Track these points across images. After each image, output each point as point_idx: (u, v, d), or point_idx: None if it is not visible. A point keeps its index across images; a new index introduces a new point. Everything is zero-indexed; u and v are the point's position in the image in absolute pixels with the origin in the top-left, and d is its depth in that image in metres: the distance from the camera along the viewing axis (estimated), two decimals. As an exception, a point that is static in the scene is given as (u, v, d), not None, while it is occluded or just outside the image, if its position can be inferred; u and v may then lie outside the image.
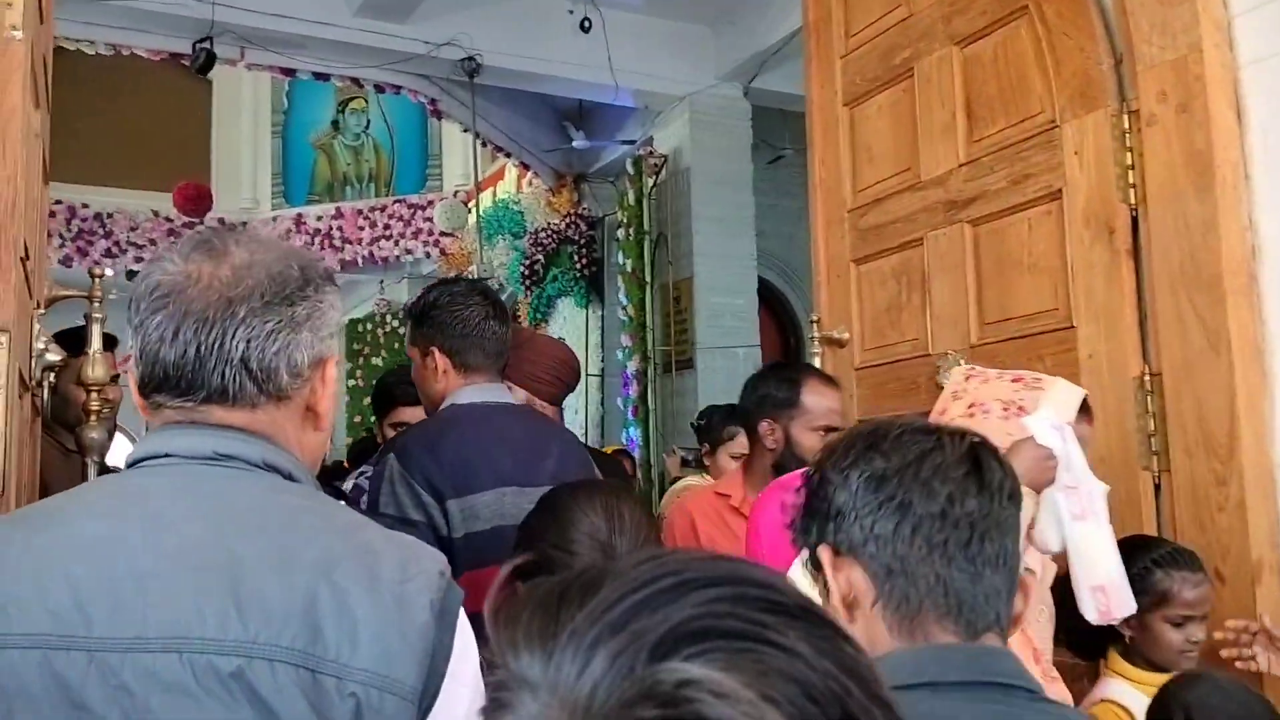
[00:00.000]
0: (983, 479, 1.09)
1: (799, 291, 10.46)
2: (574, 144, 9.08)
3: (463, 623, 1.08)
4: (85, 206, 11.80)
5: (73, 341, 2.59)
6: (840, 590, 1.09)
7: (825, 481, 1.14)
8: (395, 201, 12.04)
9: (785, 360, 10.24)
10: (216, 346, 1.10)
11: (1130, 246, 2.35)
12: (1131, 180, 2.35)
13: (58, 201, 11.64)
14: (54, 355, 1.95)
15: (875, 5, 2.99)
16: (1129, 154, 2.35)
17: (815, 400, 2.43)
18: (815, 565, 1.13)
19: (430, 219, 11.79)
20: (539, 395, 2.68)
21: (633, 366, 8.27)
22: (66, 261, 11.66)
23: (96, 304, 2.39)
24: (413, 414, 2.82)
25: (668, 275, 8.23)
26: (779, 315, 10.07)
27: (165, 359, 1.11)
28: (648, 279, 8.25)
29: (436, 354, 2.28)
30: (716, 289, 8.13)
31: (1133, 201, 2.35)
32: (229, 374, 1.11)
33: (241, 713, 0.96)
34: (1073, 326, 2.44)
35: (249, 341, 1.12)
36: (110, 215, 11.89)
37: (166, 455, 1.12)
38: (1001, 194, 2.63)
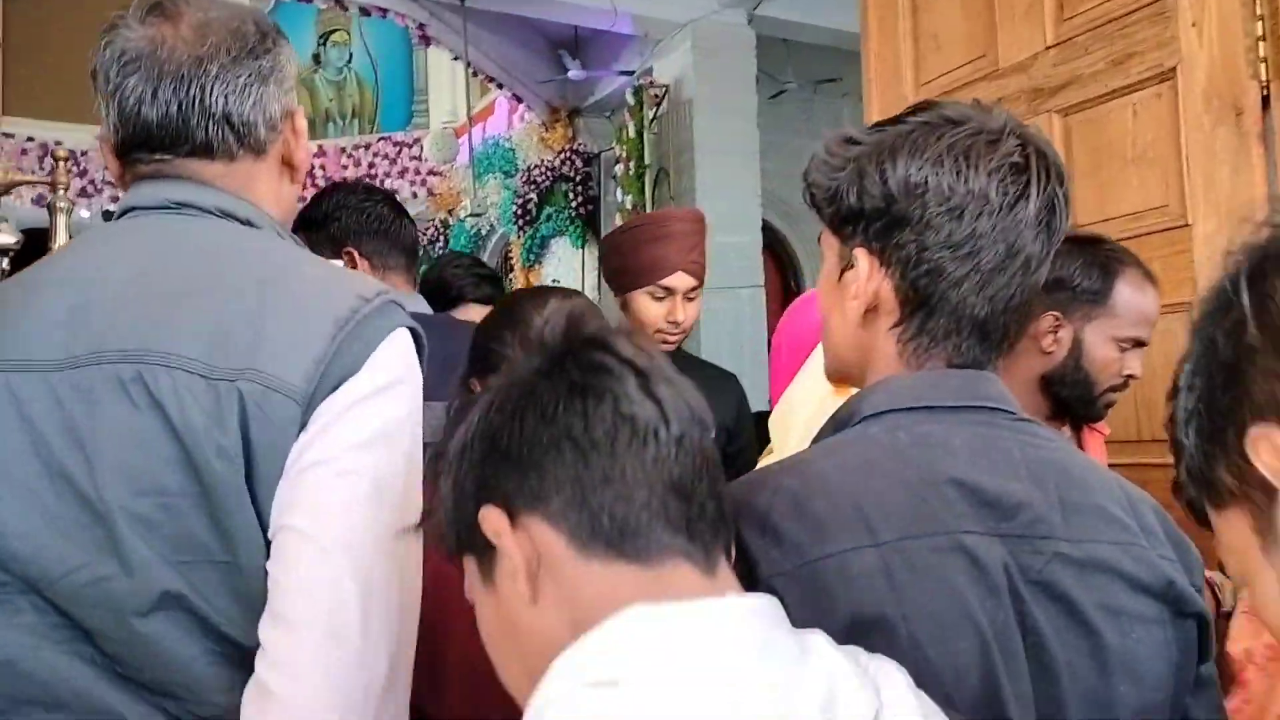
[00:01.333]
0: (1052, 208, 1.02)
1: (800, 232, 10.11)
2: (569, 74, 8.65)
3: (388, 351, 1.11)
4: (59, 144, 11.23)
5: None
6: (865, 297, 1.04)
7: (886, 165, 1.02)
8: (380, 139, 11.55)
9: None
10: (197, 102, 1.17)
11: (1261, 129, 2.01)
12: (1263, 53, 2.01)
13: (29, 139, 11.12)
14: (7, 237, 1.79)
15: None
16: (1259, 23, 2.02)
17: (1132, 300, 1.76)
18: (842, 264, 1.07)
19: (417, 157, 11.33)
20: None
21: (632, 306, 7.92)
22: (40, 200, 11.16)
23: (61, 191, 2.06)
24: (480, 314, 2.53)
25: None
26: (779, 257, 9.74)
27: (148, 119, 1.18)
28: (649, 215, 7.87)
29: (355, 257, 2.12)
30: (720, 226, 7.68)
31: (1264, 77, 2.01)
32: (212, 128, 1.18)
33: (142, 417, 1.04)
34: (1188, 224, 2.11)
35: (227, 97, 1.18)
36: (84, 153, 11.35)
37: (131, 209, 1.21)
38: (1099, 77, 2.28)
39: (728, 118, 7.85)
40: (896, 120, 1.04)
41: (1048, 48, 2.40)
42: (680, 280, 2.50)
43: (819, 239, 1.14)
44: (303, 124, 1.28)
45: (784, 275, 9.79)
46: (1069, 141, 2.35)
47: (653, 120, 7.93)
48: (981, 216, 0.98)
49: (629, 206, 7.97)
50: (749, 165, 7.91)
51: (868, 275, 1.03)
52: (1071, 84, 2.34)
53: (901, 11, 2.71)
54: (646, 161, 7.85)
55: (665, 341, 2.52)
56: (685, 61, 7.89)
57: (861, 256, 1.04)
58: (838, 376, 1.15)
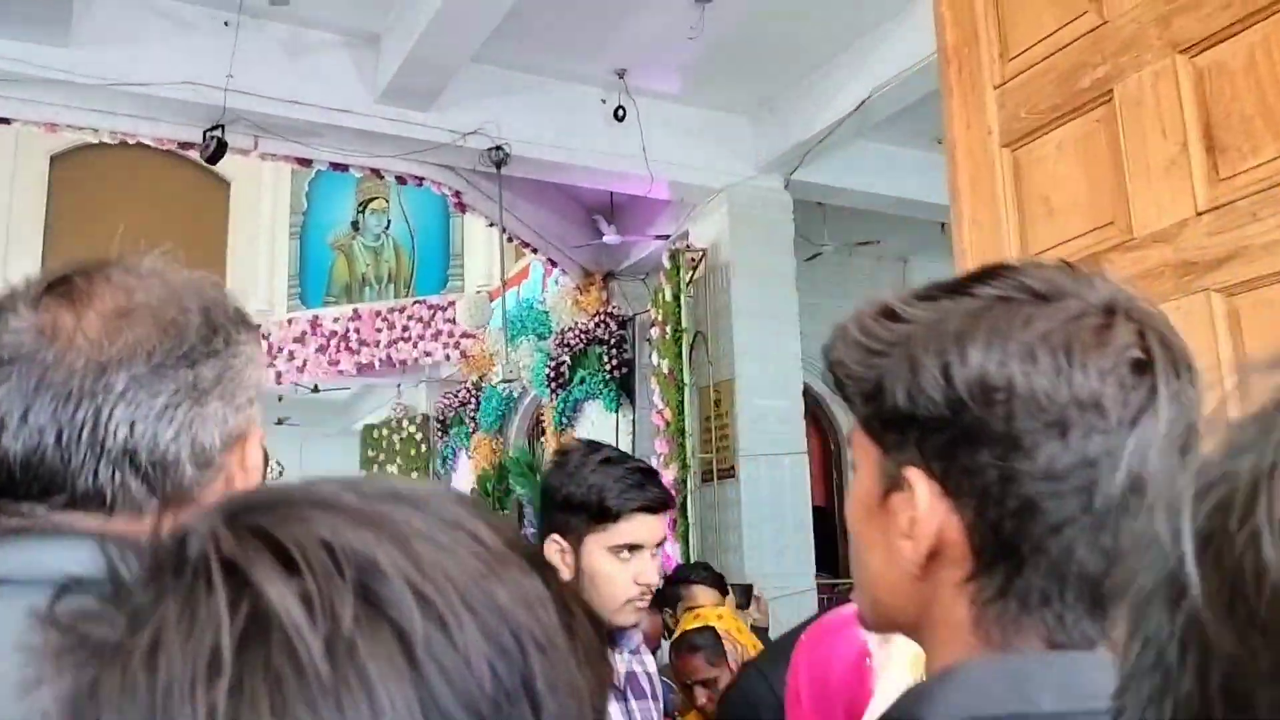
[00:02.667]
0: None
1: (839, 395, 9.62)
2: (604, 239, 8.37)
3: None
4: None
5: None
6: (925, 538, 0.72)
7: (951, 356, 0.72)
8: (415, 302, 11.33)
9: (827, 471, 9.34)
10: (86, 431, 0.80)
11: None
12: None
13: (67, 304, 10.98)
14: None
15: (1045, 16, 2.23)
16: None
17: None
18: (887, 482, 0.76)
19: (451, 320, 11.06)
20: None
21: (669, 475, 7.38)
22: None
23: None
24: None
25: (707, 376, 7.41)
26: (819, 421, 9.22)
27: (10, 451, 0.80)
28: (685, 380, 7.42)
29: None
30: (759, 391, 7.30)
31: None
32: (105, 471, 0.81)
33: None
34: None
35: (134, 424, 0.81)
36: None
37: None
38: (1273, 249, 1.81)
39: (765, 281, 7.50)
40: (957, 289, 0.75)
41: (1199, 214, 1.93)
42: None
43: (848, 436, 0.85)
44: (257, 456, 0.90)
45: (825, 441, 9.25)
46: (1236, 325, 1.86)
47: (689, 283, 7.59)
48: (1094, 434, 0.69)
49: (665, 370, 7.55)
50: (788, 329, 7.51)
51: (928, 507, 0.73)
52: (1236, 257, 1.86)
53: (1001, 171, 2.28)
54: (683, 325, 7.46)
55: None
56: (722, 225, 7.60)
57: (917, 479, 0.74)
58: (881, 628, 0.86)
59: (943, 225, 9.50)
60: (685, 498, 7.27)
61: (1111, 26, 2.12)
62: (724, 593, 4.39)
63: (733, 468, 7.16)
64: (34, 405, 0.80)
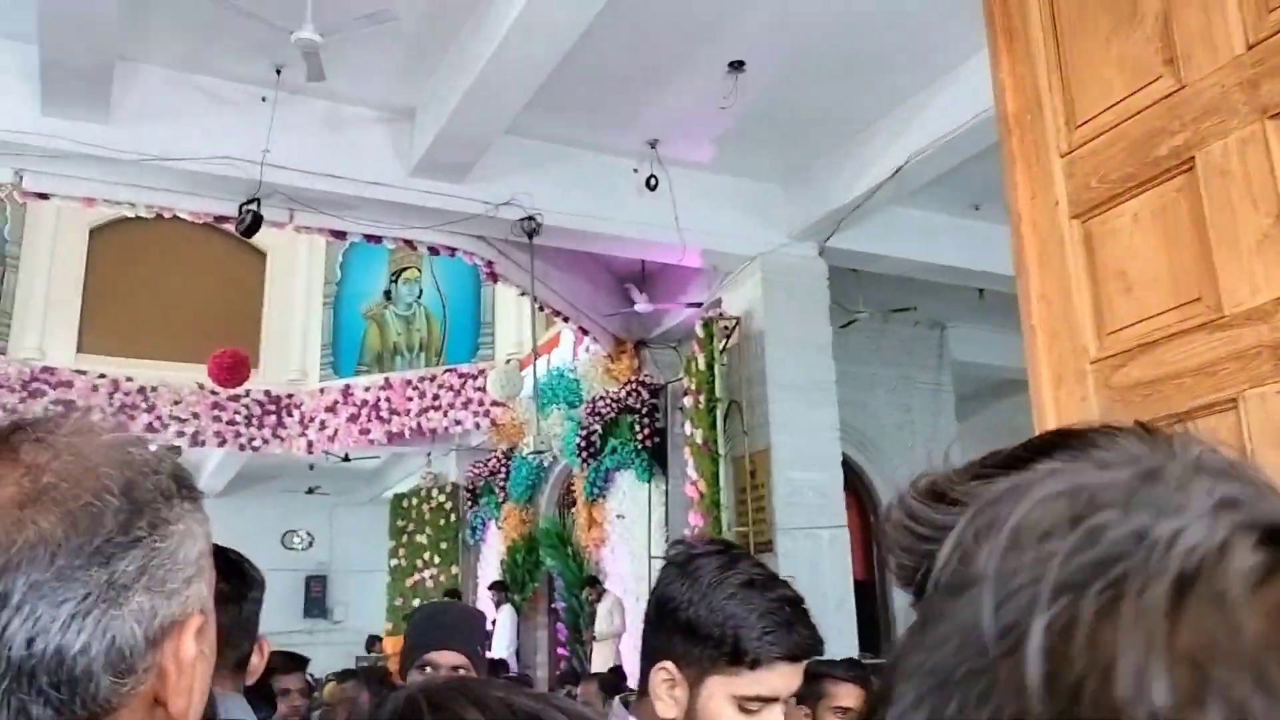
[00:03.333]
0: None
1: (877, 465, 9.40)
2: (636, 307, 8.27)
3: None
4: (129, 380, 11.11)
5: None
6: None
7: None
8: (445, 370, 11.26)
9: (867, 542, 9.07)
10: None
11: None
12: None
13: (101, 375, 11.00)
14: None
15: (1115, 82, 2.10)
16: None
17: None
18: None
19: (481, 388, 10.97)
20: None
21: (705, 549, 7.16)
22: (107, 435, 10.90)
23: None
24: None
25: (742, 447, 7.23)
26: (856, 491, 8.98)
27: None
28: (720, 451, 7.24)
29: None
30: (796, 462, 7.10)
31: None
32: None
33: None
34: None
35: (32, 639, 0.64)
36: (154, 389, 11.18)
37: None
38: (1387, 328, 1.64)
39: (800, 349, 7.35)
40: (1015, 462, 0.58)
41: (1299, 290, 1.77)
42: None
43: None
44: (189, 651, 0.72)
45: (863, 513, 8.99)
46: (1347, 412, 1.68)
47: (722, 352, 7.45)
48: None
49: (699, 441, 7.37)
50: (825, 398, 7.33)
51: None
52: (1344, 338, 1.69)
53: (1071, 244, 2.13)
54: (717, 395, 7.30)
55: None
56: (755, 293, 7.47)
57: None
58: None
59: (980, 292, 9.34)
60: (721, 572, 7.04)
61: (1190, 91, 1.98)
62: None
63: (769, 542, 6.94)
64: None
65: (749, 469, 7.11)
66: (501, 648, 9.24)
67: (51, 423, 0.71)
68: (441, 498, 12.18)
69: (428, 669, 2.22)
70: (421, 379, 11.30)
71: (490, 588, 10.16)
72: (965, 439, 10.48)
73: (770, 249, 7.40)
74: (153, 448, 0.73)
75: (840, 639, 7.00)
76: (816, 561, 6.99)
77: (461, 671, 2.16)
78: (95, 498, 0.68)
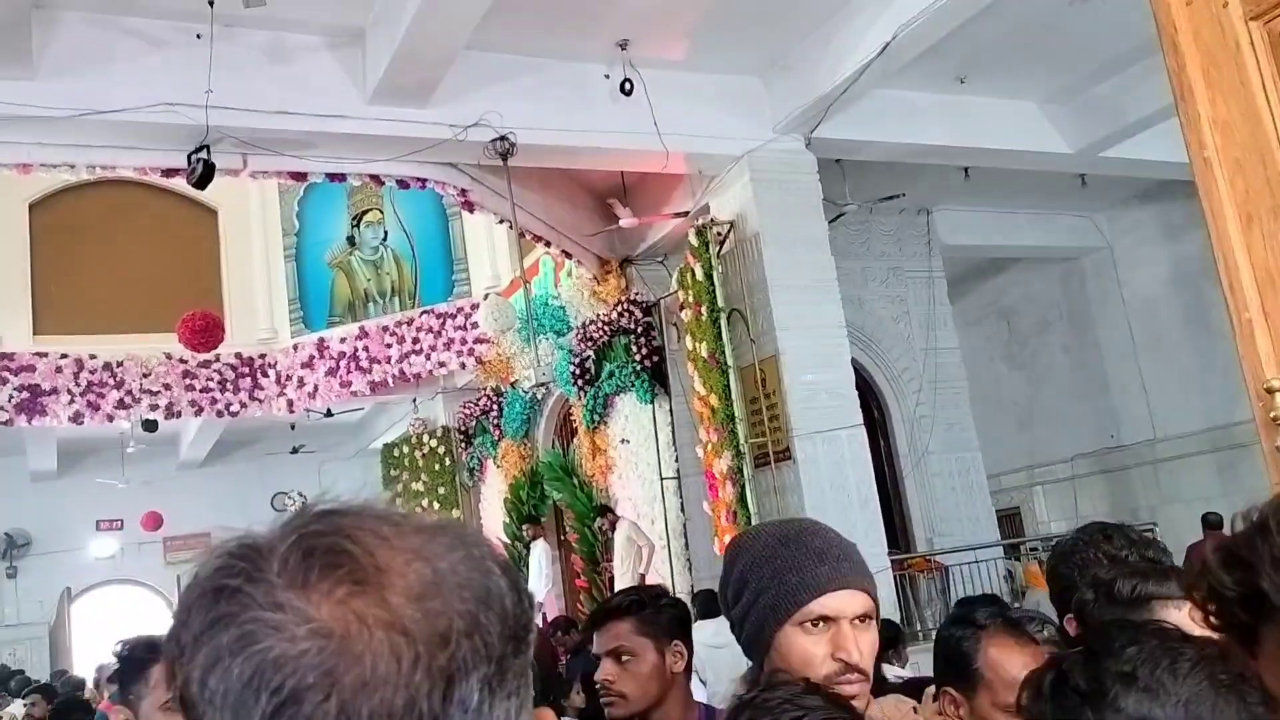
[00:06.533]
0: None
1: (877, 358, 9.14)
2: (620, 223, 7.84)
3: None
4: (93, 357, 10.55)
5: None
6: None
7: None
8: (422, 313, 10.79)
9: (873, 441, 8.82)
10: None
11: None
12: None
13: (63, 356, 10.43)
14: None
15: None
16: None
17: None
18: None
19: (462, 327, 10.53)
20: None
21: (722, 464, 6.87)
22: (77, 418, 10.37)
23: None
24: None
25: (748, 356, 6.90)
26: (858, 388, 8.71)
27: None
28: (728, 363, 6.91)
29: None
30: (806, 365, 6.79)
31: None
32: None
33: None
34: None
35: None
36: (120, 364, 10.63)
37: None
38: None
39: (798, 248, 6.98)
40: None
41: None
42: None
43: None
44: None
45: (868, 410, 8.73)
46: None
47: (718, 259, 7.07)
48: None
49: (704, 354, 7.03)
50: (828, 296, 7.00)
51: None
52: None
53: (1251, 53, 1.74)
54: (719, 304, 6.94)
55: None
56: (745, 195, 7.07)
57: None
58: None
59: (965, 171, 9.00)
60: (743, 486, 6.77)
61: None
62: None
63: (787, 449, 6.67)
64: None
65: (758, 377, 6.79)
66: (539, 589, 8.90)
67: (346, 498, 0.60)
68: (433, 442, 11.82)
69: None
70: (398, 324, 10.83)
71: (525, 522, 9.77)
72: (959, 323, 10.24)
73: (757, 146, 6.98)
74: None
75: (869, 539, 6.76)
76: (837, 464, 6.75)
77: None
78: (484, 575, 0.58)
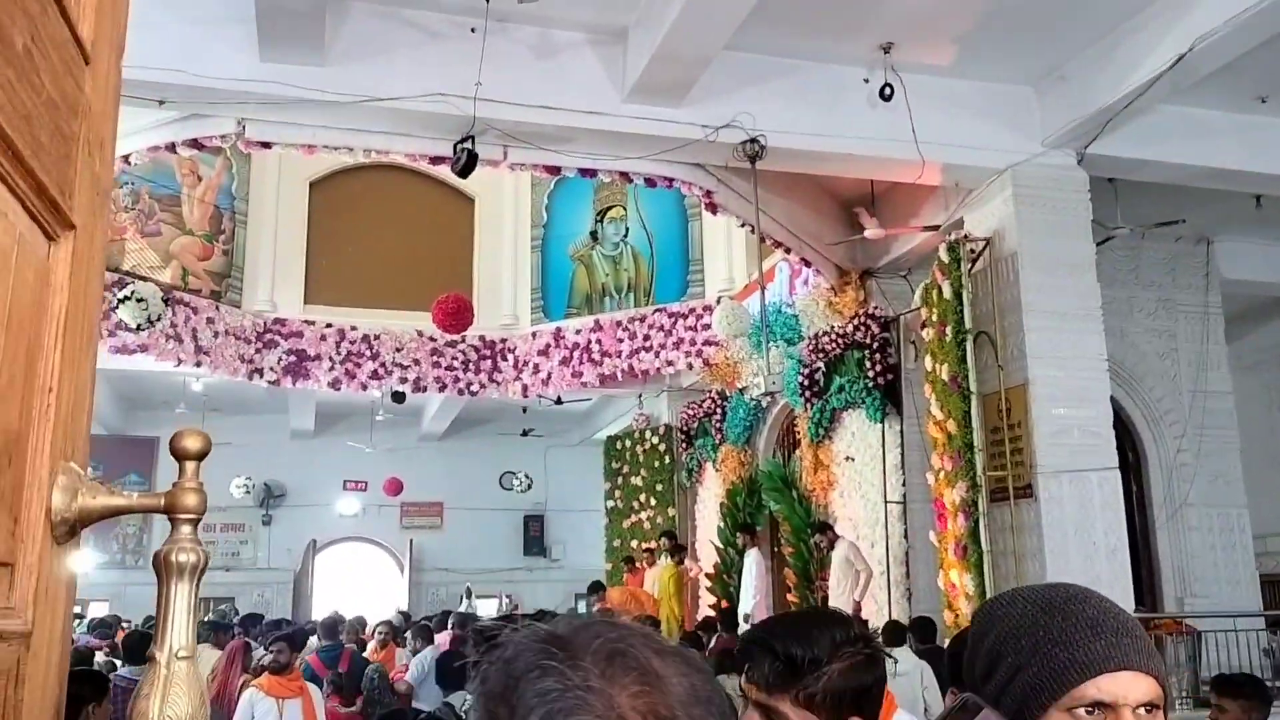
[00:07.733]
0: None
1: (1136, 397, 8.38)
2: (866, 233, 7.55)
3: None
4: (354, 329, 11.34)
5: None
6: None
7: None
8: (655, 310, 10.89)
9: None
10: None
11: None
12: None
13: (328, 325, 11.26)
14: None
15: None
16: None
17: None
18: None
19: (692, 327, 10.54)
20: None
21: (954, 495, 6.47)
22: (335, 384, 11.18)
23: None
24: None
25: (993, 382, 6.46)
26: (1114, 427, 8.01)
27: None
28: (971, 388, 6.50)
29: None
30: (1058, 397, 6.28)
31: None
32: None
33: None
34: None
35: None
36: (377, 337, 11.37)
37: None
38: None
39: (1059, 272, 6.47)
40: None
41: None
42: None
43: None
44: None
45: (1121, 451, 8.01)
46: None
47: (969, 278, 6.67)
48: None
49: (944, 377, 6.65)
50: (1090, 325, 6.45)
51: None
52: None
53: None
54: (966, 325, 6.54)
55: None
56: (1005, 211, 6.62)
57: None
58: None
59: (1258, 199, 8.07)
60: (976, 521, 6.35)
61: None
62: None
63: (1029, 486, 6.19)
64: None
65: (1003, 406, 6.35)
66: (748, 599, 8.77)
67: (649, 635, 0.73)
68: (655, 439, 11.91)
69: None
70: (631, 320, 10.98)
71: (739, 530, 9.68)
72: (1235, 366, 9.23)
73: (1022, 160, 6.53)
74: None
75: (1113, 593, 6.19)
76: (1085, 507, 6.20)
77: None
78: (711, 686, 0.72)
